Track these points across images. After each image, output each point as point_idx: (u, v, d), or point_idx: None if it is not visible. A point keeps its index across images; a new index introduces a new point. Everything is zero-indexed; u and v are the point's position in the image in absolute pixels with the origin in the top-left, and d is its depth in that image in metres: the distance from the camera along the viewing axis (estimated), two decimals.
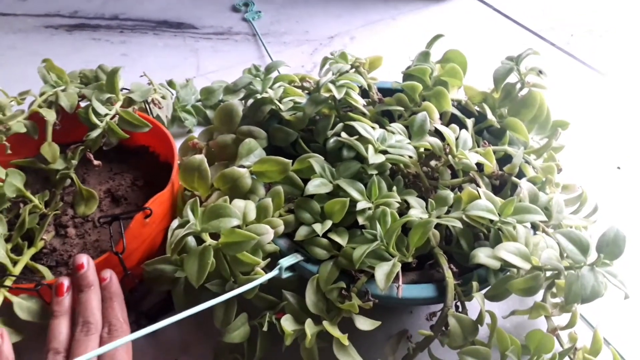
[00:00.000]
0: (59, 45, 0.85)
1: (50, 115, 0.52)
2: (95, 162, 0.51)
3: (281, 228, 0.44)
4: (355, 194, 0.44)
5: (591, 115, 0.78)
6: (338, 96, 0.51)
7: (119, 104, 0.53)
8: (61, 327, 0.39)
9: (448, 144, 0.46)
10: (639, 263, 0.56)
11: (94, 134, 0.50)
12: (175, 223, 0.42)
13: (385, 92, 0.58)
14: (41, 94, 0.54)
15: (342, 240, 0.43)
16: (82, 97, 0.55)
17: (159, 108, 0.60)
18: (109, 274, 0.42)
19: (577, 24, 0.97)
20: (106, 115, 0.51)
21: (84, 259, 0.42)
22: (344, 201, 0.44)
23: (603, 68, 0.87)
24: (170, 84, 0.72)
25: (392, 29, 0.94)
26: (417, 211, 0.43)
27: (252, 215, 0.43)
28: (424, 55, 0.54)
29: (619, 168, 0.70)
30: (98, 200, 0.53)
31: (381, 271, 0.40)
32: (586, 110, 0.79)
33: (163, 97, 0.62)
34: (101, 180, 0.56)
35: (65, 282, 0.42)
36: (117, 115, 0.52)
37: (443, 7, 1.00)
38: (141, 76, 0.64)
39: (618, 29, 0.97)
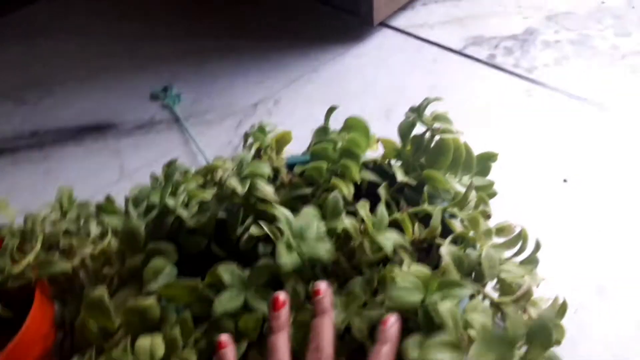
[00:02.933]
0: None
1: None
2: None
3: None
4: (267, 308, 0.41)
5: (529, 126, 0.76)
6: (241, 191, 0.48)
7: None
8: (280, 343, 0.38)
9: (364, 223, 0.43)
10: None
11: None
12: None
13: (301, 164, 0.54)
14: None
15: None
16: None
17: None
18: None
19: (498, 33, 0.96)
20: None
21: (323, 286, 0.40)
22: (257, 317, 0.40)
23: (531, 74, 0.86)
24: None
25: (314, 83, 0.92)
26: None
27: (159, 352, 0.39)
28: (322, 131, 0.51)
29: (565, 181, 0.68)
30: None
31: None
32: (523, 122, 0.77)
33: None
34: None
35: (281, 296, 0.40)
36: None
37: (363, 47, 0.99)
38: None
39: (539, 30, 0.96)
